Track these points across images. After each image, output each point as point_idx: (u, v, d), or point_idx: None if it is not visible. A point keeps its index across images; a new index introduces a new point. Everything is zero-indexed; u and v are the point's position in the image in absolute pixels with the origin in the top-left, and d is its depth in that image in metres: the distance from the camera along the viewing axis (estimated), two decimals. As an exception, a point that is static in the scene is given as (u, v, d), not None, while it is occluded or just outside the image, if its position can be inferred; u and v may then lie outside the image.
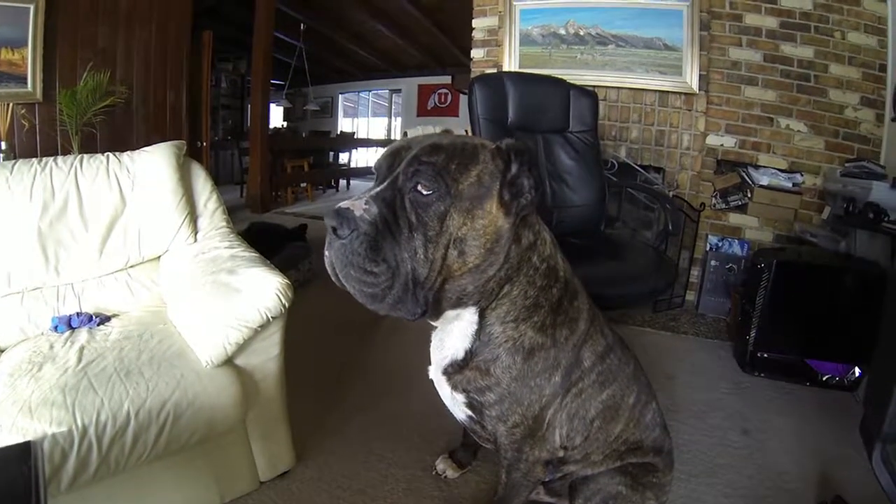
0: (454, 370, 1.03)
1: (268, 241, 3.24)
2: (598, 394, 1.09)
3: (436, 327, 1.07)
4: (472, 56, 3.69)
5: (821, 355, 2.41)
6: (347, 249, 0.80)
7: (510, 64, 3.49)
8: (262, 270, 1.36)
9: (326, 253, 0.84)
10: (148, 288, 1.62)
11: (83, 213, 1.55)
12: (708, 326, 3.11)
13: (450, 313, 0.95)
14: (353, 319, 2.71)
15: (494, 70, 3.56)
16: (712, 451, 1.82)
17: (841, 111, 3.18)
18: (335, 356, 2.32)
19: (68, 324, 1.41)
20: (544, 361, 0.99)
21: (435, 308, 0.90)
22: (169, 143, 1.72)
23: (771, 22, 3.15)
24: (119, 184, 1.61)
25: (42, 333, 1.40)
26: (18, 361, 1.21)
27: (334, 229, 0.80)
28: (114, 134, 3.06)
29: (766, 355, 2.47)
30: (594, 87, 3.24)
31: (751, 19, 3.17)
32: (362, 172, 9.41)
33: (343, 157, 9.91)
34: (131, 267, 1.62)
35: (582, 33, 3.35)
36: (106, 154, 1.65)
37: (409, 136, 3.73)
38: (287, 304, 1.30)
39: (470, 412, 1.07)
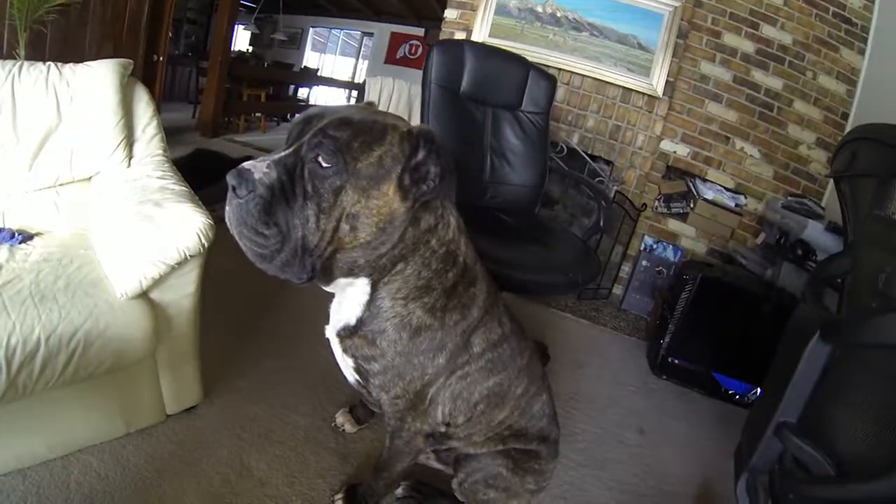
0: (346, 335, 1.07)
1: (210, 168, 3.15)
2: (485, 380, 1.14)
3: (329, 293, 1.10)
4: (445, 15, 3.61)
5: (727, 371, 2.55)
6: (242, 209, 0.83)
7: (481, 31, 3.43)
8: (187, 207, 1.34)
9: (227, 208, 0.86)
10: (75, 209, 1.57)
11: (16, 124, 1.48)
12: (628, 323, 3.24)
13: (342, 281, 0.98)
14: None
15: (464, 33, 3.51)
16: (605, 446, 1.92)
17: (796, 146, 3.36)
18: (256, 297, 2.31)
19: (-11, 239, 1.37)
20: (430, 342, 1.03)
21: (325, 275, 0.94)
22: (115, 60, 1.64)
23: (748, 46, 3.26)
24: (57, 97, 1.54)
25: (-39, 246, 1.35)
26: (-68, 276, 1.18)
27: (234, 188, 0.83)
28: (65, 36, 2.84)
29: (676, 361, 2.60)
30: (560, 69, 3.32)
31: (729, 39, 3.27)
32: None
33: (302, 92, 9.72)
34: (61, 185, 1.57)
35: (559, 15, 3.34)
36: (47, 64, 1.56)
37: (367, 84, 3.66)
38: (207, 244, 1.30)
39: (357, 377, 1.12)
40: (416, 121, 3.30)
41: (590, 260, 1.98)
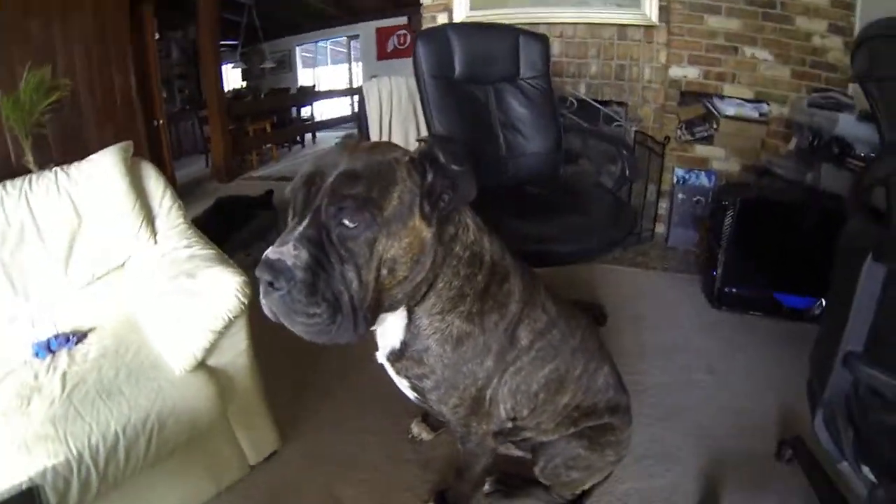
0: (394, 358, 1.08)
1: (235, 214, 3.26)
2: (539, 370, 1.14)
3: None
4: (421, 0, 3.56)
5: (787, 288, 2.45)
6: (287, 300, 0.80)
7: (461, 5, 3.37)
8: (219, 271, 1.38)
9: (264, 301, 0.84)
10: (117, 296, 1.64)
11: (41, 235, 1.56)
12: (678, 260, 3.17)
13: (382, 315, 0.98)
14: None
15: (445, 13, 3.45)
16: (678, 393, 1.89)
17: (808, 39, 3.13)
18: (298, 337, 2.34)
19: (48, 348, 1.45)
20: (473, 349, 1.03)
21: (372, 321, 0.92)
22: (115, 147, 1.69)
23: (734, -54, 3.05)
24: (71, 199, 1.61)
25: (25, 362, 1.43)
26: (8, 398, 1.26)
27: (270, 283, 0.80)
28: (65, 130, 2.92)
29: (733, 290, 2.52)
30: (550, 24, 3.23)
31: (712, -56, 3.07)
32: (328, 125, 9.30)
33: (306, 112, 9.80)
34: (98, 279, 1.64)
35: (536, -32, 3.24)
36: (53, 170, 1.64)
37: (364, 90, 3.56)
38: (247, 302, 1.33)
39: (415, 394, 1.14)
40: (420, 112, 3.24)
41: (624, 213, 1.95)
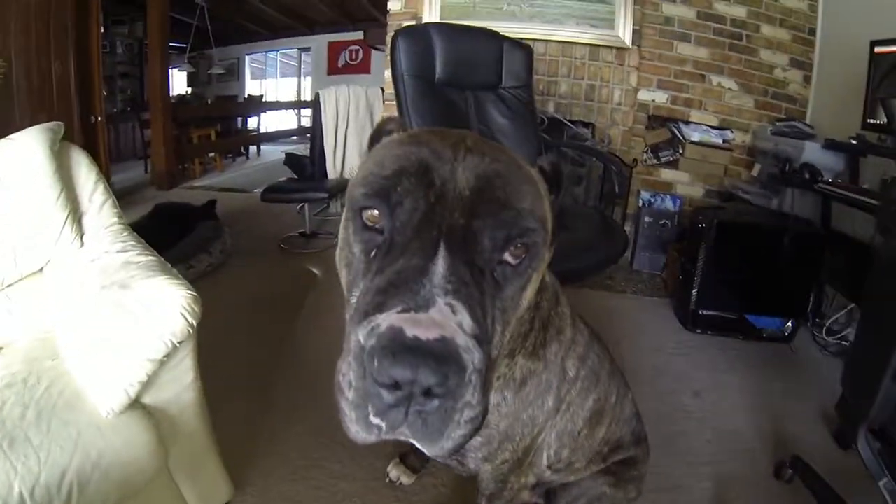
0: None
1: (175, 223, 2.97)
2: (585, 402, 0.98)
3: None
4: (388, 8, 3.47)
5: (759, 310, 2.52)
6: (446, 406, 0.46)
7: (431, 15, 3.30)
8: (161, 281, 1.09)
9: (379, 420, 0.48)
10: (31, 310, 1.31)
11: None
12: (644, 283, 3.16)
13: None
14: (275, 297, 2.64)
15: (413, 22, 3.34)
16: (667, 419, 1.84)
17: (770, 71, 3.32)
18: (259, 349, 2.09)
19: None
20: (536, 388, 0.84)
21: None
22: (41, 126, 1.37)
23: (706, -21, 3.19)
24: (-21, 185, 1.27)
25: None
26: None
27: (431, 390, 0.44)
28: None
29: (707, 312, 2.54)
30: (521, 39, 3.14)
31: (686, -25, 3.19)
32: (273, 137, 9.10)
33: (252, 123, 9.49)
34: (9, 286, 1.31)
35: (510, -18, 3.20)
36: (-41, 149, 1.30)
37: (322, 97, 3.37)
38: (195, 323, 1.05)
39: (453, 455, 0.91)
40: (378, 120, 3.15)
41: (615, 230, 1.90)
